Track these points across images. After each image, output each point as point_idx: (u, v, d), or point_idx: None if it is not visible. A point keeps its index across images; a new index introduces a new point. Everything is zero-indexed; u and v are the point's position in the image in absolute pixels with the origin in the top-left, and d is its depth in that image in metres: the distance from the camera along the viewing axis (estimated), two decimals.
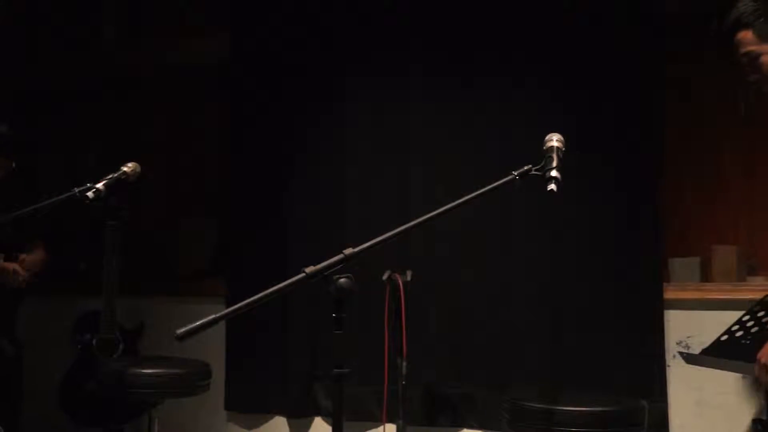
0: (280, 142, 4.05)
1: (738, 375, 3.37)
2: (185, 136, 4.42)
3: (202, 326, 1.80)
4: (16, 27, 4.47)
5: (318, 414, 4.00)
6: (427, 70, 3.82)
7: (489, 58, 3.73)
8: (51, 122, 4.50)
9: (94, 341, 3.90)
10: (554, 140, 2.31)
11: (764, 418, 2.86)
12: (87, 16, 4.51)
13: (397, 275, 3.31)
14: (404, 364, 3.26)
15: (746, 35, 2.46)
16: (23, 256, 3.61)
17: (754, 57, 2.47)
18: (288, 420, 4.06)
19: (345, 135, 3.95)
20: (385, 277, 3.31)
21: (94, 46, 4.49)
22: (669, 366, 3.47)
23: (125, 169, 3.16)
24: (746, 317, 2.57)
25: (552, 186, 2.19)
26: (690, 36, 3.55)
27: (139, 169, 3.21)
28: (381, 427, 3.57)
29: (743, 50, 2.47)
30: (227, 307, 1.88)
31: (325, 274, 1.91)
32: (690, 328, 3.46)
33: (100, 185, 2.99)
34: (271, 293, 1.88)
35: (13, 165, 3.64)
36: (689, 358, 2.80)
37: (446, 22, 3.79)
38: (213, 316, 1.82)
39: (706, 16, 3.33)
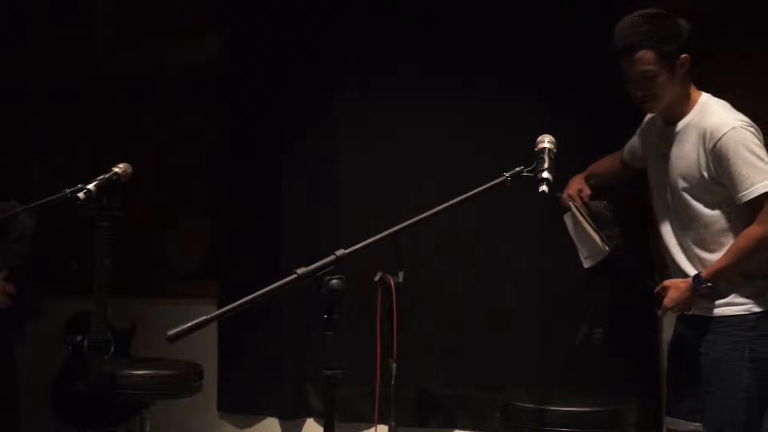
0: (273, 142, 4.05)
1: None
2: (179, 137, 4.41)
3: (193, 327, 1.80)
4: (15, 27, 4.46)
5: (310, 415, 4.00)
6: (425, 70, 3.81)
7: (481, 57, 3.73)
8: (49, 122, 4.49)
9: (85, 342, 3.89)
10: (546, 141, 2.32)
11: (577, 342, 3.09)
12: (84, 16, 4.50)
13: (389, 276, 3.32)
14: (394, 365, 3.27)
15: (646, 54, 2.61)
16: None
17: (651, 76, 2.63)
18: (280, 421, 4.06)
19: (339, 136, 3.95)
20: (377, 278, 3.32)
21: (91, 46, 4.48)
22: (661, 367, 3.48)
23: (116, 169, 3.16)
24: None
25: (543, 187, 2.21)
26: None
27: (130, 169, 3.22)
28: (373, 428, 3.57)
29: (642, 68, 2.62)
30: (219, 308, 1.88)
31: (317, 275, 1.92)
32: None
33: (91, 186, 2.99)
34: (263, 294, 1.88)
35: None
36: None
37: (439, 22, 3.80)
38: (205, 317, 1.82)
39: (701, 16, 3.37)
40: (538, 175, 2.23)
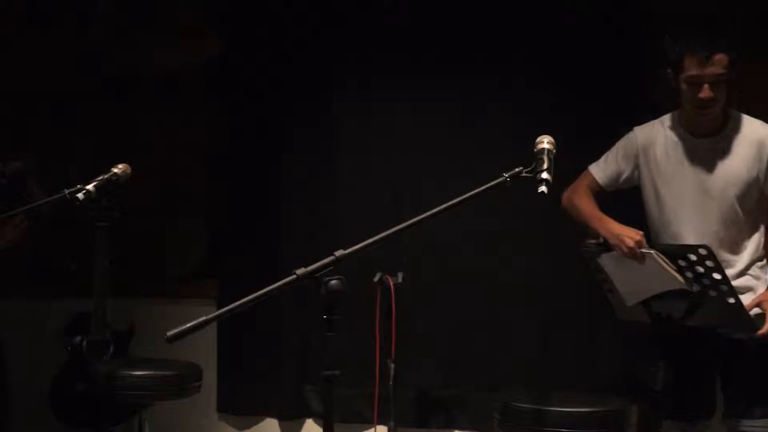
0: (273, 143, 4.04)
1: None
2: (180, 137, 4.40)
3: (192, 328, 1.80)
4: (15, 27, 4.46)
5: (309, 416, 4.00)
6: (425, 70, 3.81)
7: (481, 57, 3.74)
8: (49, 122, 4.49)
9: (84, 342, 3.88)
10: (545, 142, 2.31)
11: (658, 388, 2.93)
12: (84, 16, 4.50)
13: (388, 277, 3.32)
14: (393, 366, 3.27)
15: (724, 59, 2.72)
16: None
17: (723, 80, 2.74)
18: (279, 422, 4.06)
19: (338, 136, 3.95)
20: (376, 279, 3.31)
21: (91, 46, 4.48)
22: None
23: (116, 170, 3.16)
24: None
25: (543, 188, 2.20)
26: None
27: (129, 170, 3.22)
28: (372, 429, 3.57)
29: (718, 71, 2.72)
30: (218, 308, 1.88)
31: (316, 275, 1.91)
32: None
33: (90, 186, 3.00)
34: (262, 295, 1.88)
35: None
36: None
37: (439, 22, 3.80)
38: (204, 318, 1.82)
39: (703, 16, 3.37)
40: (538, 176, 2.22)
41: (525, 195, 2.33)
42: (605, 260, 2.98)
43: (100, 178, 3.09)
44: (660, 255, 2.81)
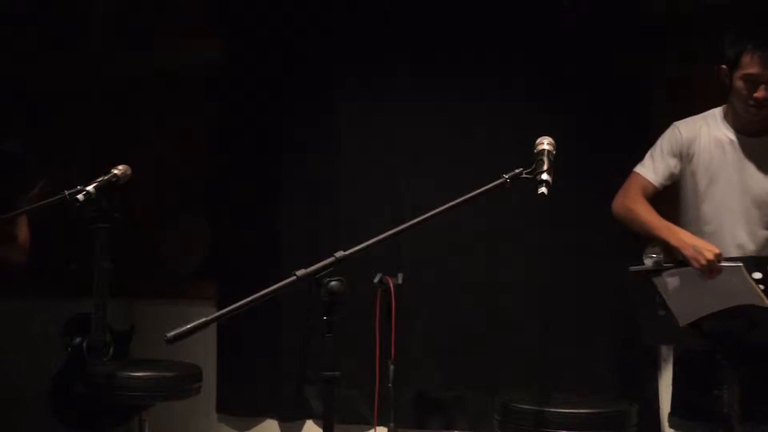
0: (273, 143, 4.04)
1: None
2: (179, 137, 4.40)
3: (193, 329, 1.79)
4: (15, 27, 4.46)
5: (309, 417, 4.00)
6: (424, 70, 3.81)
7: (480, 58, 3.74)
8: (49, 122, 4.49)
9: (84, 343, 3.88)
10: (545, 143, 2.31)
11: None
12: (84, 16, 4.50)
13: (389, 278, 3.32)
14: (392, 367, 3.27)
15: None
16: None
17: None
18: (279, 423, 4.05)
19: (339, 136, 3.95)
20: (376, 279, 3.32)
21: (91, 46, 4.48)
22: (660, 369, 3.48)
23: (116, 171, 3.16)
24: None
25: (543, 189, 2.19)
26: (689, 36, 3.55)
27: (129, 171, 3.21)
28: (372, 430, 3.57)
29: None
30: (219, 309, 1.88)
31: (316, 276, 1.91)
32: None
33: (90, 188, 2.99)
34: (263, 296, 1.87)
35: None
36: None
37: (439, 23, 3.80)
38: (204, 319, 1.82)
39: (705, 16, 3.37)
40: (538, 177, 2.21)
41: (525, 195, 2.33)
42: (666, 278, 2.74)
43: (100, 179, 3.08)
44: (745, 269, 2.59)
